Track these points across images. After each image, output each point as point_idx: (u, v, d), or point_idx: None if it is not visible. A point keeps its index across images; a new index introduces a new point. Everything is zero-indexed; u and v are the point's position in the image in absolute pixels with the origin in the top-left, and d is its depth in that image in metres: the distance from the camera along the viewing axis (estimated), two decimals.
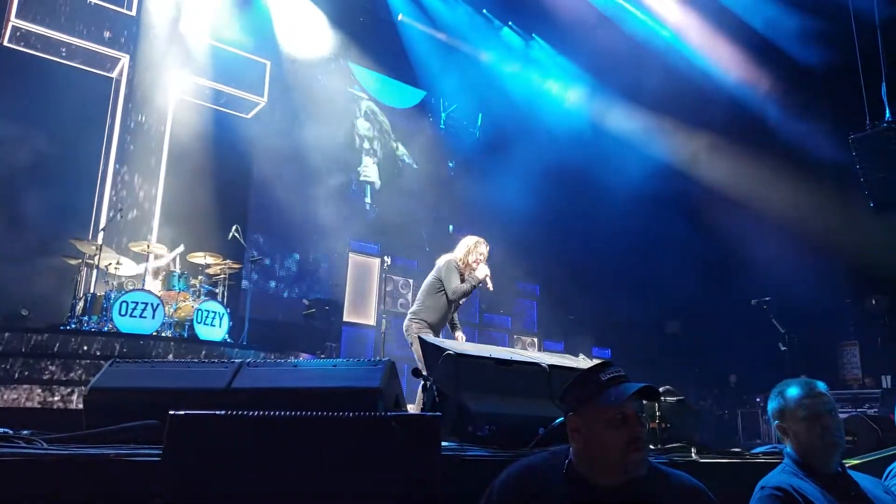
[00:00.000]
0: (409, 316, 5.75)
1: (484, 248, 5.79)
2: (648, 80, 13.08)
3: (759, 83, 12.54)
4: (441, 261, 5.85)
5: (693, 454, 3.77)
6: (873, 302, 12.29)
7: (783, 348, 7.63)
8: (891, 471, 2.80)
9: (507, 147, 13.60)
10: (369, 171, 13.55)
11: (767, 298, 7.97)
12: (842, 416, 5.98)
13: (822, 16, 11.32)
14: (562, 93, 14.72)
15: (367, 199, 13.21)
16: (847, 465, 2.47)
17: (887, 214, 10.80)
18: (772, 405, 2.51)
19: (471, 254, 5.75)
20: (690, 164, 12.83)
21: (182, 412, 2.07)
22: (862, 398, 9.67)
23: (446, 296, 5.62)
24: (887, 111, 10.15)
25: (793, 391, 2.44)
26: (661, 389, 4.88)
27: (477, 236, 5.90)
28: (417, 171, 13.96)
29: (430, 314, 5.64)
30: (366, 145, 13.73)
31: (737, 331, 11.01)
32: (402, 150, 14.42)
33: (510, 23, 14.51)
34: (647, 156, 12.97)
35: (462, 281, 5.65)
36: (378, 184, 13.46)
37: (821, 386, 2.45)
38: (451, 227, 13.18)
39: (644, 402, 1.94)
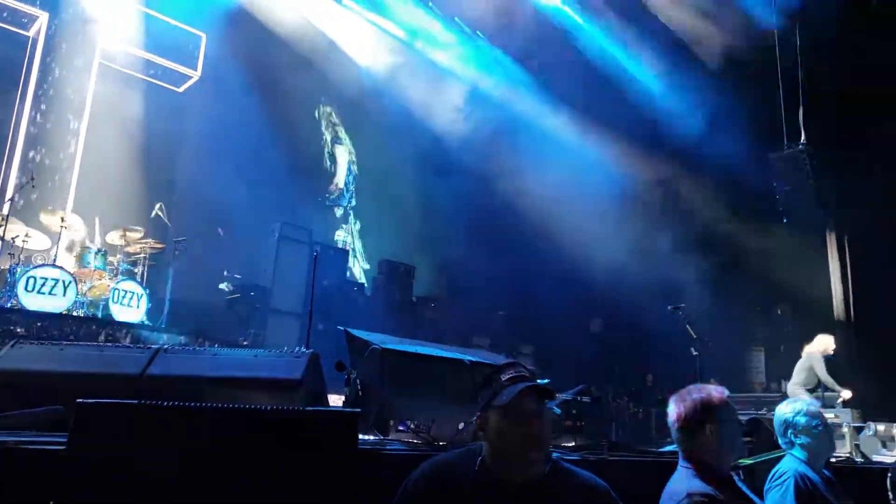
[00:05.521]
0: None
1: None
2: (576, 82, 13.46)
3: (681, 98, 13.09)
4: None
5: (604, 452, 3.92)
6: (779, 311, 13.08)
7: (695, 353, 7.97)
8: (773, 475, 3.03)
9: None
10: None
11: (682, 305, 8.30)
12: (743, 418, 6.33)
13: (750, 39, 11.91)
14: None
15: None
16: (741, 465, 2.61)
17: (795, 229, 11.51)
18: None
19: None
20: (612, 169, 13.27)
21: (91, 400, 1.99)
22: (764, 401, 10.23)
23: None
24: (803, 134, 10.81)
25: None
26: (577, 388, 5.05)
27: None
28: None
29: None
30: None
31: (655, 332, 11.43)
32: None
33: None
34: (576, 155, 13.33)
35: None
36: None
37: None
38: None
39: (546, 400, 2.00)
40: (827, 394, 8.44)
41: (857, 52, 10.78)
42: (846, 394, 8.29)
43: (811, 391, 8.48)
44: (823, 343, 8.70)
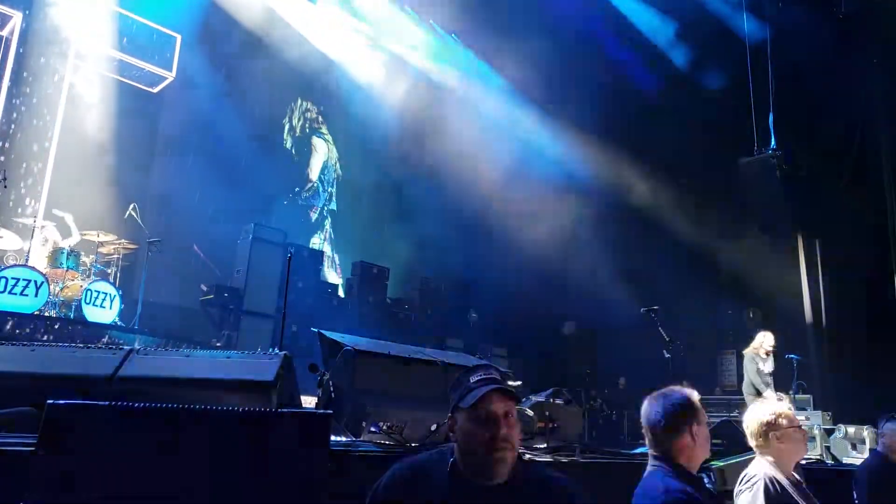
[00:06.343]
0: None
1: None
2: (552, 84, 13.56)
3: (653, 101, 13.27)
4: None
5: (576, 453, 3.97)
6: (750, 315, 13.32)
7: (667, 355, 8.06)
8: (743, 477, 3.08)
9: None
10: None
11: (656, 307, 8.39)
12: (714, 420, 6.41)
13: (721, 45, 12.13)
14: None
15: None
16: (713, 467, 2.66)
17: (766, 233, 11.73)
18: None
19: None
20: (593, 175, 13.40)
21: (61, 401, 1.99)
22: (735, 403, 10.39)
23: None
24: (773, 139, 11.02)
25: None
26: (550, 391, 5.11)
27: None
28: None
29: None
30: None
31: (628, 335, 11.58)
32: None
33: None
34: (553, 164, 13.44)
35: None
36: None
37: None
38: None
39: (514, 403, 2.04)
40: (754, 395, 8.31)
41: (827, 59, 11.02)
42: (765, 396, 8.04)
43: (757, 395, 8.20)
44: (757, 342, 8.52)
